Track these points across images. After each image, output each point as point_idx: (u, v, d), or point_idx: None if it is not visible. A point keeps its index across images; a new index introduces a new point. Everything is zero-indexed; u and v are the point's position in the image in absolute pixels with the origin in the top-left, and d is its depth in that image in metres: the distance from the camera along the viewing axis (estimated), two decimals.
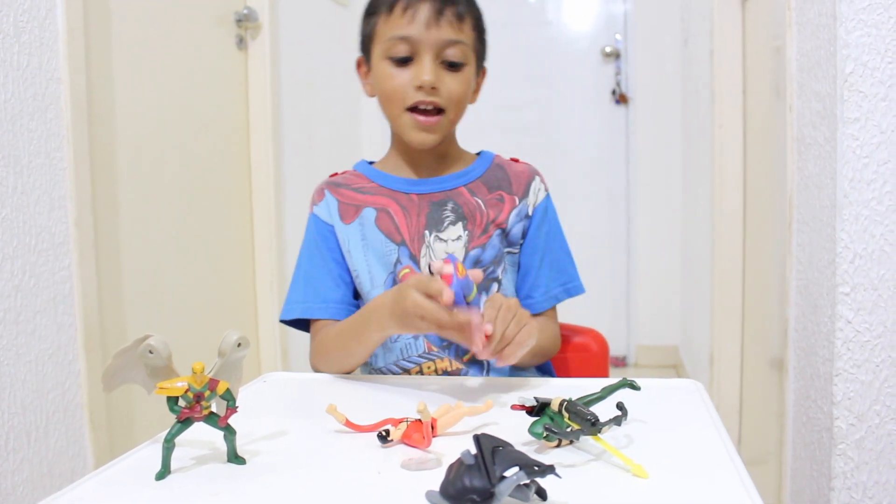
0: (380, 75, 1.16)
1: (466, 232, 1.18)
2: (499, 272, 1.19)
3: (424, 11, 1.12)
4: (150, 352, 0.76)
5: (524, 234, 1.22)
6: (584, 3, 3.42)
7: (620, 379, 0.87)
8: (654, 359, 3.44)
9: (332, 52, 3.14)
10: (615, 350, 3.39)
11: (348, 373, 1.16)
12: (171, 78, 1.99)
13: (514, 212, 1.20)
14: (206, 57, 2.18)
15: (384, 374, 1.19)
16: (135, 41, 1.84)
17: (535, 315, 1.18)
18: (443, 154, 1.22)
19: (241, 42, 2.33)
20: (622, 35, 3.38)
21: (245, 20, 2.32)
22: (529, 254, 1.22)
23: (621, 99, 3.38)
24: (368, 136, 3.45)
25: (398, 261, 1.17)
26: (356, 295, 1.23)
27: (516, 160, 1.28)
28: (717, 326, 2.19)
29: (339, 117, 3.21)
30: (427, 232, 1.17)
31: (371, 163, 1.29)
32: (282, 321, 1.25)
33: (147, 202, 1.88)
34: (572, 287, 1.24)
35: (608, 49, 3.36)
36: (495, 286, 1.18)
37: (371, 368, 1.22)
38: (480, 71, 1.23)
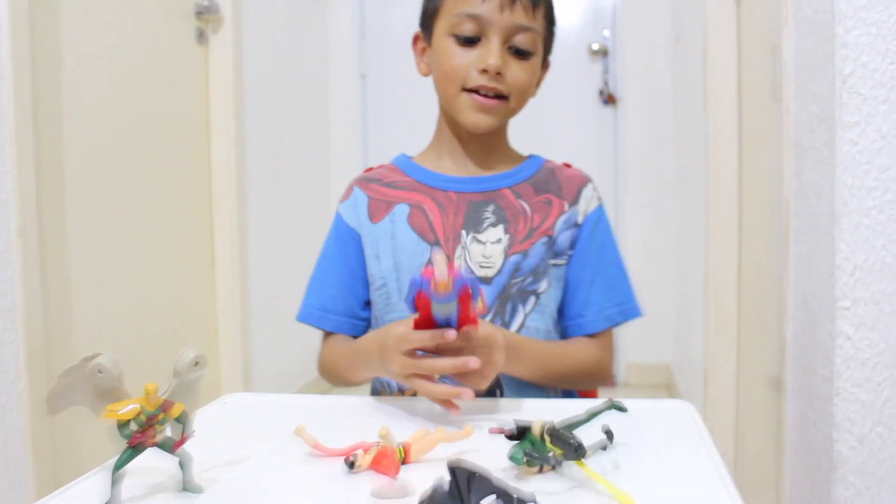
0: (441, 52, 1.16)
1: (508, 235, 1.16)
2: (540, 285, 1.16)
3: None
4: (99, 371, 0.75)
5: (572, 245, 1.20)
6: None
7: (606, 400, 0.87)
8: (646, 378, 3.45)
9: (301, 47, 3.14)
10: None
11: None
12: (124, 75, 1.98)
13: (563, 218, 1.19)
14: (163, 52, 2.17)
15: (378, 390, 1.20)
16: (85, 35, 1.83)
17: (586, 335, 1.19)
18: (491, 148, 1.22)
19: (201, 36, 2.32)
20: (610, 31, 3.41)
21: (206, 12, 2.31)
22: (579, 267, 1.20)
23: (609, 99, 3.40)
24: (339, 136, 3.45)
25: (430, 262, 1.15)
26: (376, 306, 1.22)
27: (568, 165, 1.28)
28: (712, 343, 2.20)
29: (307, 118, 3.20)
30: (464, 231, 1.16)
31: (410, 157, 1.29)
32: (298, 320, 1.27)
33: (97, 208, 1.87)
34: (628, 309, 1.21)
35: (595, 46, 3.39)
36: (532, 300, 1.16)
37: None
38: (545, 64, 1.23)
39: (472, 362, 0.92)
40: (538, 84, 1.24)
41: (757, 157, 1.91)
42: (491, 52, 1.12)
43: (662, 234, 3.40)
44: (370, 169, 1.29)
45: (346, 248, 1.22)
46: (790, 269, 1.41)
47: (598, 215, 1.23)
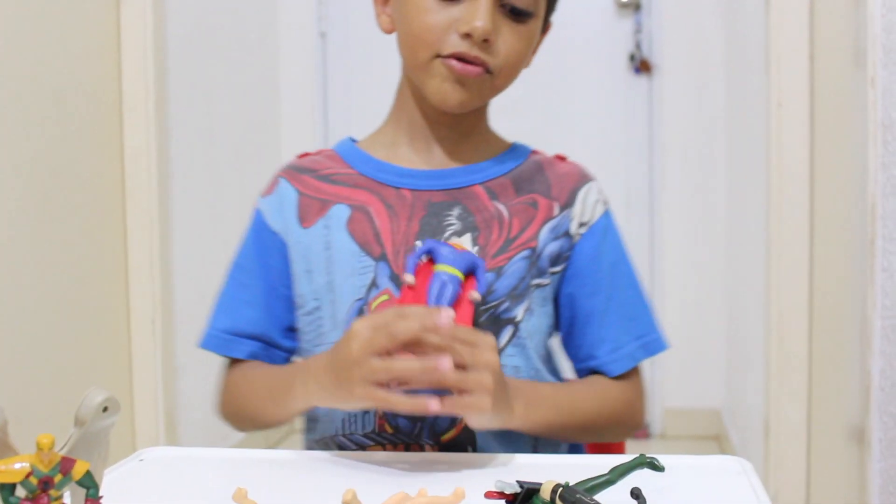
0: (411, 5, 1.13)
1: (477, 247, 1.15)
2: (517, 312, 1.15)
3: None
4: None
5: (560, 259, 1.19)
6: None
7: (637, 455, 0.88)
8: (688, 427, 3.46)
9: (244, 2, 3.14)
10: None
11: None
12: (8, 38, 1.97)
13: (550, 225, 1.18)
14: (60, 7, 2.17)
15: (333, 436, 1.18)
16: None
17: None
18: (463, 133, 1.21)
19: None
20: None
21: None
22: (589, 294, 1.19)
23: (643, 66, 3.41)
24: (293, 113, 3.44)
25: (374, 284, 1.14)
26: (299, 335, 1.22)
27: (562, 158, 1.27)
28: (775, 384, 2.20)
29: (252, 89, 3.20)
30: (419, 243, 1.14)
31: (356, 141, 1.27)
32: (201, 347, 1.25)
33: None
34: (651, 342, 1.21)
35: None
36: (509, 331, 1.15)
37: (305, 437, 1.22)
38: (545, 26, 1.23)
39: (444, 363, 0.92)
40: (534, 51, 1.22)
41: (834, 142, 1.91)
42: (478, 11, 1.09)
43: (710, 243, 3.40)
44: (304, 155, 1.27)
45: (267, 258, 1.21)
46: (876, 287, 1.41)
47: (606, 224, 1.23)
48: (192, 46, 2.65)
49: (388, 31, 1.20)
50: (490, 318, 1.14)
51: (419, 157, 1.20)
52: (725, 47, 3.30)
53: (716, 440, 3.37)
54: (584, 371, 1.21)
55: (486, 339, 0.98)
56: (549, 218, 1.18)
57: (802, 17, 2.12)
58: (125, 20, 2.36)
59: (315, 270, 1.17)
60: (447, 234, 1.14)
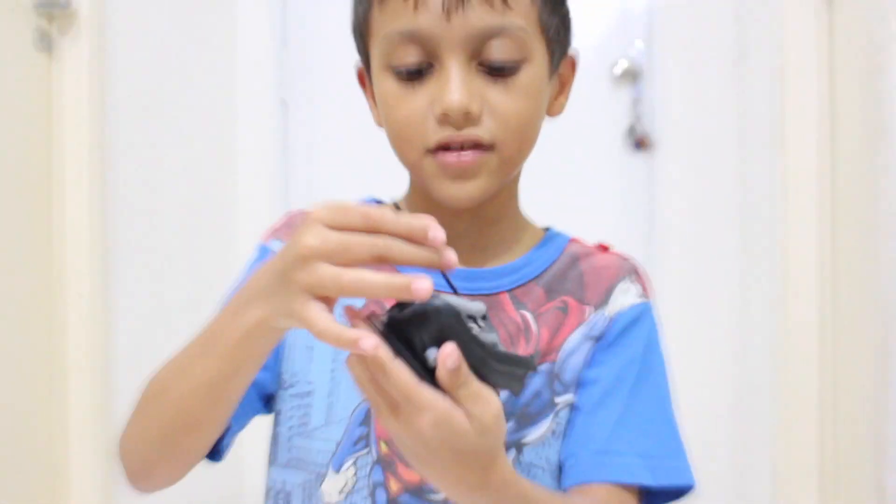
0: (382, 98, 1.11)
1: None
2: (526, 433, 1.11)
3: None
4: None
5: (587, 366, 1.14)
6: None
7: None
8: None
9: (197, 61, 3.15)
10: None
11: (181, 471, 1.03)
12: None
13: (579, 332, 1.14)
14: None
15: None
16: None
17: (569, 487, 1.09)
18: (491, 221, 1.17)
19: (42, 39, 2.34)
20: (644, 44, 3.44)
21: (50, 5, 2.33)
22: (588, 384, 1.14)
23: (641, 143, 3.42)
24: (250, 189, 3.43)
25: None
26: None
27: (605, 248, 1.23)
28: (784, 496, 2.23)
29: (204, 161, 3.20)
30: None
31: (380, 202, 1.23)
32: None
33: None
34: (662, 469, 1.12)
35: (622, 66, 3.41)
36: (511, 454, 1.10)
37: None
38: (564, 61, 1.18)
39: (423, 283, 0.77)
40: (563, 92, 1.18)
41: (851, 233, 1.92)
42: (449, 84, 1.04)
43: (714, 341, 3.37)
44: None
45: None
46: (891, 395, 1.41)
47: (638, 316, 1.17)
48: (135, 112, 2.64)
49: (381, 126, 1.16)
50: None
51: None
52: (735, 123, 3.30)
53: None
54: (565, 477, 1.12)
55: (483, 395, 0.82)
56: (579, 323, 1.14)
57: (820, 90, 2.14)
58: (58, 80, 2.37)
59: (318, 348, 1.12)
60: None
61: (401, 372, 0.77)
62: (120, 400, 2.52)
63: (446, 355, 0.77)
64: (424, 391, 0.78)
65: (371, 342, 0.76)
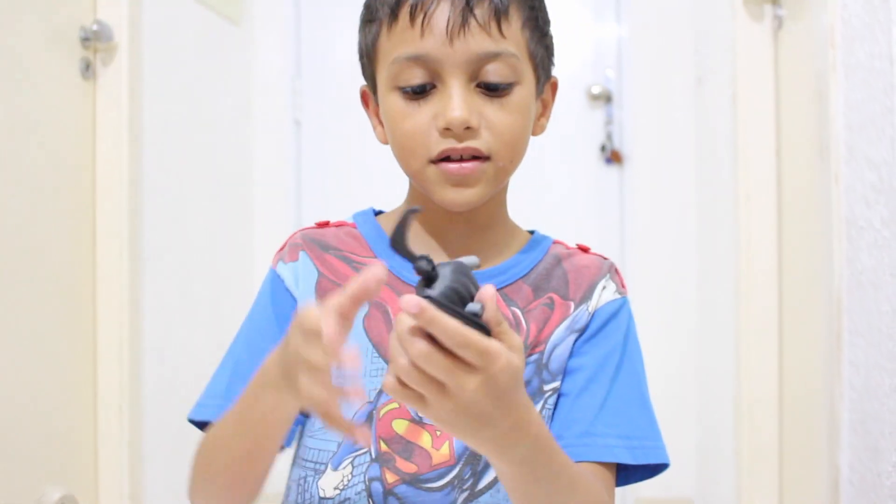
0: (388, 114, 1.11)
1: None
2: None
3: (443, 14, 1.06)
4: None
5: (570, 357, 1.14)
6: (564, 27, 3.49)
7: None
8: None
9: (219, 85, 3.16)
10: None
11: None
12: None
13: (564, 325, 1.14)
14: (37, 89, 2.18)
15: None
16: None
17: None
18: (483, 226, 1.17)
19: (87, 69, 2.34)
20: (615, 71, 3.46)
21: (94, 39, 2.33)
22: (572, 371, 1.13)
23: (613, 157, 3.43)
24: (266, 201, 3.44)
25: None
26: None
27: (585, 249, 1.24)
28: (746, 474, 2.19)
29: (226, 176, 3.20)
30: None
31: (379, 213, 1.22)
32: (190, 421, 1.15)
33: None
34: (641, 449, 1.10)
35: (596, 90, 3.43)
36: None
37: None
38: (547, 85, 1.19)
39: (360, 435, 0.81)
40: (544, 114, 1.19)
41: (800, 236, 1.93)
42: (451, 101, 1.06)
43: (680, 331, 3.38)
44: (324, 224, 1.24)
45: (283, 324, 1.09)
46: (843, 380, 1.41)
47: (617, 311, 1.17)
48: (166, 131, 2.65)
49: (385, 143, 1.17)
50: None
51: (436, 256, 1.12)
52: (695, 139, 3.32)
53: None
54: None
55: (514, 338, 0.82)
56: (564, 317, 1.14)
57: (769, 111, 2.15)
58: (101, 105, 2.37)
59: None
60: None
61: (471, 332, 0.76)
62: (146, 391, 2.53)
63: (489, 296, 0.79)
64: (493, 341, 0.77)
65: (430, 312, 0.75)
